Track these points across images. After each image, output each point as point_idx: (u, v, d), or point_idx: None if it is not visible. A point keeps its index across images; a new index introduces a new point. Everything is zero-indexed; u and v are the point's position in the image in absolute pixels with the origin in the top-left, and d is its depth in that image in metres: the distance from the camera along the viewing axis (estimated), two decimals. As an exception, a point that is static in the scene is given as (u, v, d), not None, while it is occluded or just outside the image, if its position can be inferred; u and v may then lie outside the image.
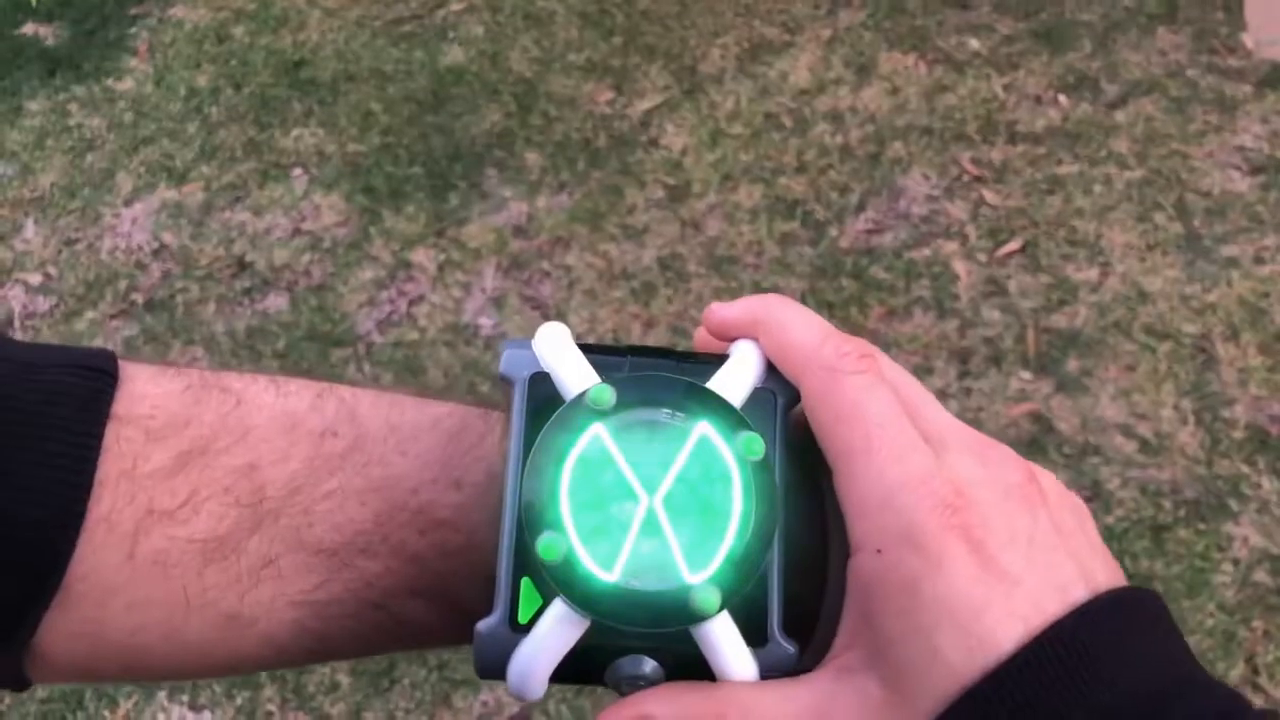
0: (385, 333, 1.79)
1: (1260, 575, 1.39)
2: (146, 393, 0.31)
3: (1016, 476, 0.28)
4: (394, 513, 0.31)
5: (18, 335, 1.88)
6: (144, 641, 0.31)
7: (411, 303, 1.82)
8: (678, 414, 0.29)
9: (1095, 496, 1.49)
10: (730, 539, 0.28)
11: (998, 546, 0.26)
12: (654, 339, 1.71)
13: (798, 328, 0.30)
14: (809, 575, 0.30)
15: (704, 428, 0.28)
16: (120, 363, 0.32)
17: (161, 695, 1.44)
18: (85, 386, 0.30)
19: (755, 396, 0.30)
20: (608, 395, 0.28)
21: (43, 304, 1.91)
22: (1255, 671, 1.33)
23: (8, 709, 1.42)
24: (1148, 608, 0.27)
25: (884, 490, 0.27)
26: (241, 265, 1.92)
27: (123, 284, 1.91)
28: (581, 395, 0.29)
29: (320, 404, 0.32)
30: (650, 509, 0.28)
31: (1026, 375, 1.61)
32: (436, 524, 0.31)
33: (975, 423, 1.56)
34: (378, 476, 0.31)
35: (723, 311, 0.32)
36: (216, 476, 0.31)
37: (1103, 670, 0.25)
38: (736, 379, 0.30)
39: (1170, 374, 1.59)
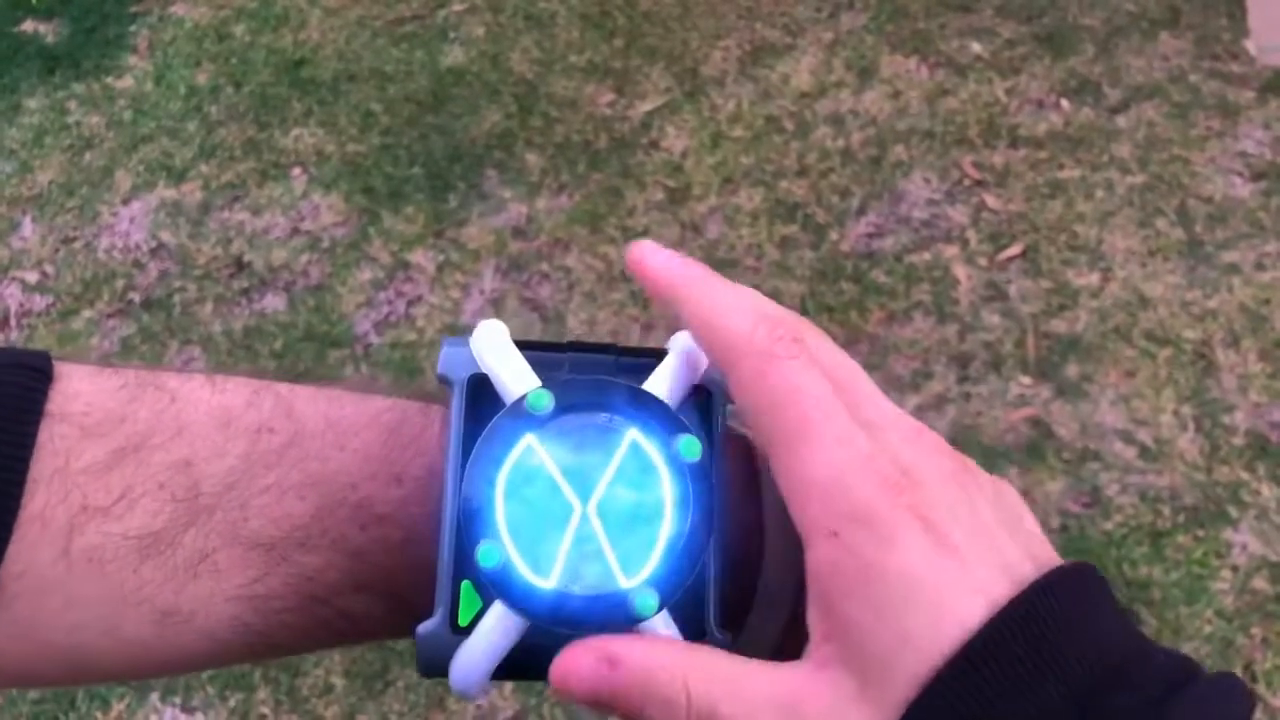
0: (383, 333, 1.78)
1: (1259, 582, 1.39)
2: (81, 390, 0.31)
3: (950, 462, 0.28)
4: (333, 507, 0.31)
5: (14, 333, 1.87)
6: (82, 639, 0.30)
7: (410, 303, 1.81)
8: (614, 418, 0.29)
9: (1094, 502, 1.48)
10: (663, 542, 0.28)
11: (947, 526, 0.26)
12: (653, 341, 1.71)
13: (725, 312, 0.30)
14: (747, 566, 0.30)
15: (636, 434, 0.29)
16: (56, 362, 0.32)
17: (154, 697, 1.43)
18: (18, 384, 0.30)
19: (696, 392, 0.31)
20: (545, 401, 0.29)
21: (39, 302, 1.90)
22: (1253, 679, 1.33)
23: (0, 710, 1.42)
24: (1093, 582, 0.27)
25: (831, 473, 0.27)
26: (239, 265, 1.92)
27: (120, 283, 1.91)
28: (519, 401, 0.29)
29: (256, 400, 0.32)
30: (584, 515, 0.28)
31: (1026, 380, 1.60)
32: (377, 519, 0.31)
33: (974, 428, 1.56)
34: (315, 471, 0.31)
35: (648, 259, 0.31)
36: (151, 473, 0.31)
37: (1066, 644, 0.25)
38: (675, 377, 0.30)
39: (1170, 380, 1.58)
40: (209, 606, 0.31)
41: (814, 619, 0.27)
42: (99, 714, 1.42)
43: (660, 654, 0.28)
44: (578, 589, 0.28)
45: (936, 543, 0.26)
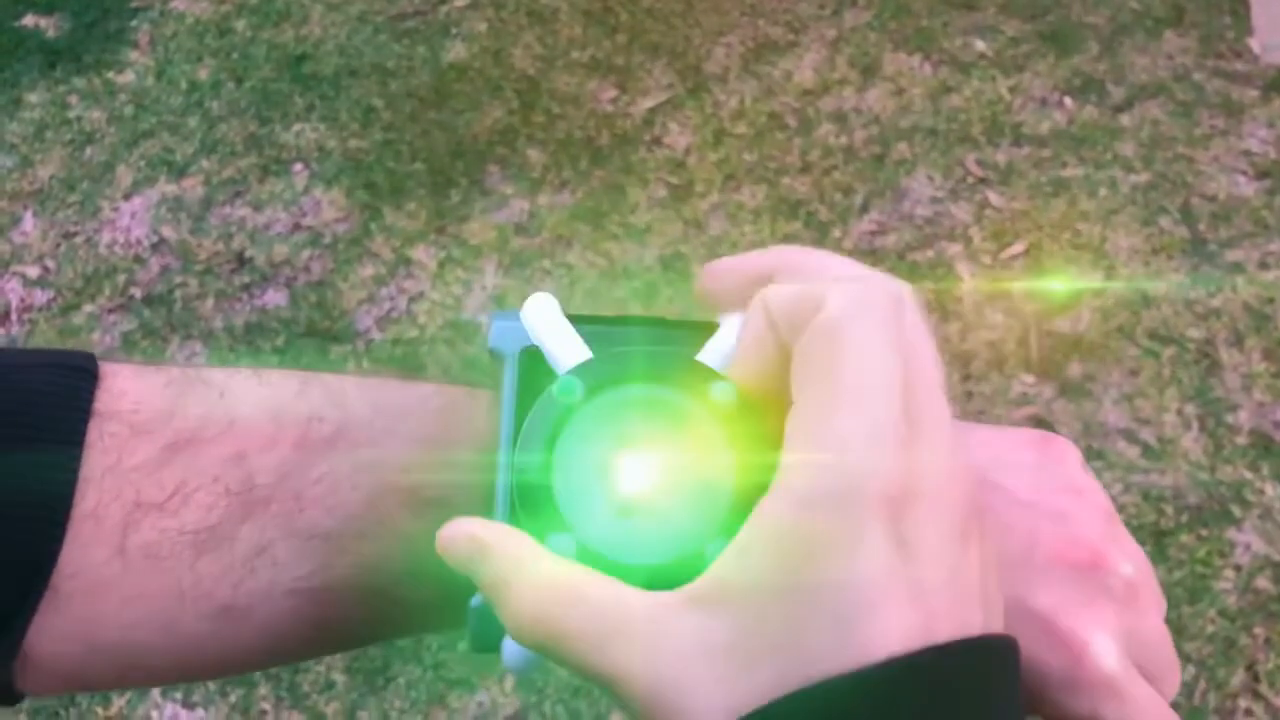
0: (385, 329, 1.78)
1: (1262, 582, 1.39)
2: (128, 389, 0.31)
3: (963, 505, 0.25)
4: (386, 494, 0.31)
5: (14, 329, 1.87)
6: (139, 638, 0.30)
7: (411, 300, 1.81)
8: (655, 387, 0.28)
9: (1097, 502, 1.48)
10: (724, 496, 0.27)
11: (923, 556, 0.23)
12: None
13: (833, 260, 0.29)
14: None
15: (682, 400, 0.28)
16: (100, 362, 0.31)
17: (155, 692, 1.43)
18: (65, 385, 0.30)
19: None
20: (575, 387, 0.28)
21: (40, 297, 1.90)
22: (1255, 679, 1.32)
23: (1, 704, 1.41)
24: (1011, 661, 0.24)
25: (844, 443, 0.24)
26: (241, 260, 1.91)
27: (121, 278, 1.90)
28: (562, 380, 0.28)
29: (305, 390, 0.32)
30: (641, 486, 0.27)
31: (1029, 379, 1.60)
32: (428, 504, 0.31)
33: (977, 426, 1.55)
34: (367, 459, 0.31)
35: (737, 265, 0.30)
36: (204, 466, 0.30)
37: (957, 709, 0.22)
38: (727, 348, 0.29)
39: (1174, 379, 1.58)
40: (268, 601, 0.31)
41: (725, 559, 0.24)
42: (100, 709, 1.42)
43: (521, 558, 0.26)
44: (649, 560, 0.26)
45: (902, 562, 0.23)
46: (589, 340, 0.30)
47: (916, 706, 0.22)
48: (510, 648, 0.28)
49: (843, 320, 0.25)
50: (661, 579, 0.25)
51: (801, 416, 0.25)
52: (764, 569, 0.24)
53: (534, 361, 0.30)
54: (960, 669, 0.23)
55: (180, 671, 0.32)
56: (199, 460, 0.30)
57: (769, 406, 0.27)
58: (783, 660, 0.22)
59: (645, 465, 0.28)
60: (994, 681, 0.24)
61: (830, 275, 0.29)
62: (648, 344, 0.30)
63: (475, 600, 0.29)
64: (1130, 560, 0.30)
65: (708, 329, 0.30)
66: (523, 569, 0.26)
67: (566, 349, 0.29)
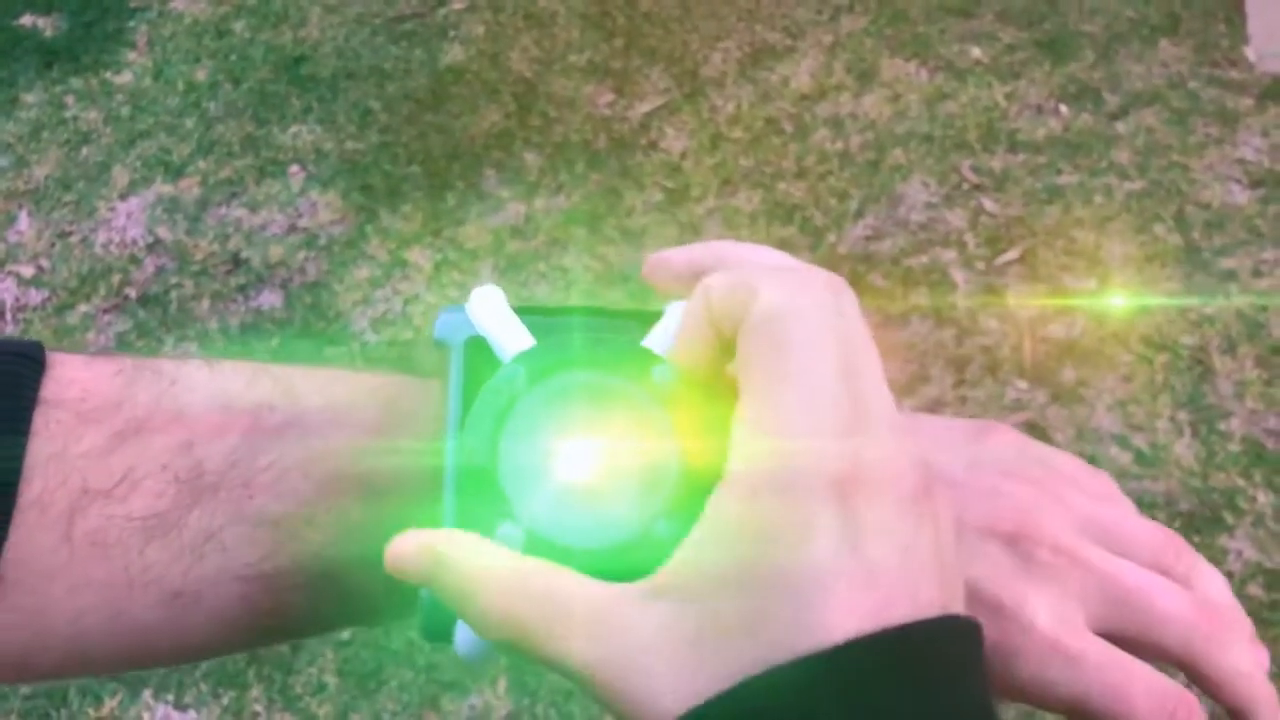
0: (380, 331, 1.78)
1: (1254, 589, 1.39)
2: (76, 378, 0.31)
3: (911, 485, 0.25)
4: (335, 482, 0.31)
5: (9, 328, 1.87)
6: (87, 625, 0.30)
7: (407, 301, 1.81)
8: (598, 372, 0.29)
9: (1090, 508, 1.48)
10: (668, 477, 0.27)
11: (874, 538, 0.24)
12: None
13: (767, 253, 0.30)
14: None
15: (623, 385, 0.28)
16: (49, 352, 0.32)
17: (147, 693, 1.43)
18: (10, 373, 0.30)
19: None
20: (518, 374, 0.29)
21: (35, 297, 1.90)
22: (1248, 686, 1.33)
23: (-9, 704, 1.41)
24: (972, 639, 0.25)
25: (790, 430, 0.24)
26: (236, 261, 1.91)
27: (116, 278, 1.90)
28: (508, 366, 0.29)
29: (255, 380, 0.33)
30: (588, 471, 0.28)
31: (1022, 385, 1.60)
32: (378, 493, 0.32)
33: (971, 432, 1.56)
34: (316, 448, 0.32)
35: (672, 258, 0.32)
36: (153, 454, 0.31)
37: (919, 688, 0.23)
38: (669, 335, 0.29)
39: (1167, 385, 1.58)
40: (217, 586, 0.31)
41: (683, 552, 0.25)
42: (91, 710, 1.42)
43: (480, 562, 0.26)
44: (597, 543, 0.27)
45: (852, 549, 0.23)
46: (534, 330, 0.30)
47: (872, 687, 0.22)
48: (463, 636, 0.28)
49: (784, 310, 0.26)
50: (610, 562, 0.26)
51: (748, 406, 0.25)
52: (720, 559, 0.24)
53: (480, 352, 0.31)
54: (916, 649, 0.23)
55: (130, 659, 0.32)
56: (147, 448, 0.31)
57: (710, 389, 0.28)
58: (741, 647, 0.23)
59: (589, 450, 0.28)
60: (952, 660, 0.24)
61: (765, 267, 0.30)
62: (592, 333, 0.30)
63: (425, 591, 0.29)
64: (1071, 512, 0.31)
65: (652, 318, 0.31)
66: (482, 573, 0.26)
67: (510, 338, 0.30)
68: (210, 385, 0.32)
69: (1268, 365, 1.59)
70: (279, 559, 0.31)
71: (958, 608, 0.25)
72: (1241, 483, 1.48)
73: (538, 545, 0.27)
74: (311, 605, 0.32)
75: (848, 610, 0.23)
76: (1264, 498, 1.46)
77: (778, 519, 0.24)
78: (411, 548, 0.27)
